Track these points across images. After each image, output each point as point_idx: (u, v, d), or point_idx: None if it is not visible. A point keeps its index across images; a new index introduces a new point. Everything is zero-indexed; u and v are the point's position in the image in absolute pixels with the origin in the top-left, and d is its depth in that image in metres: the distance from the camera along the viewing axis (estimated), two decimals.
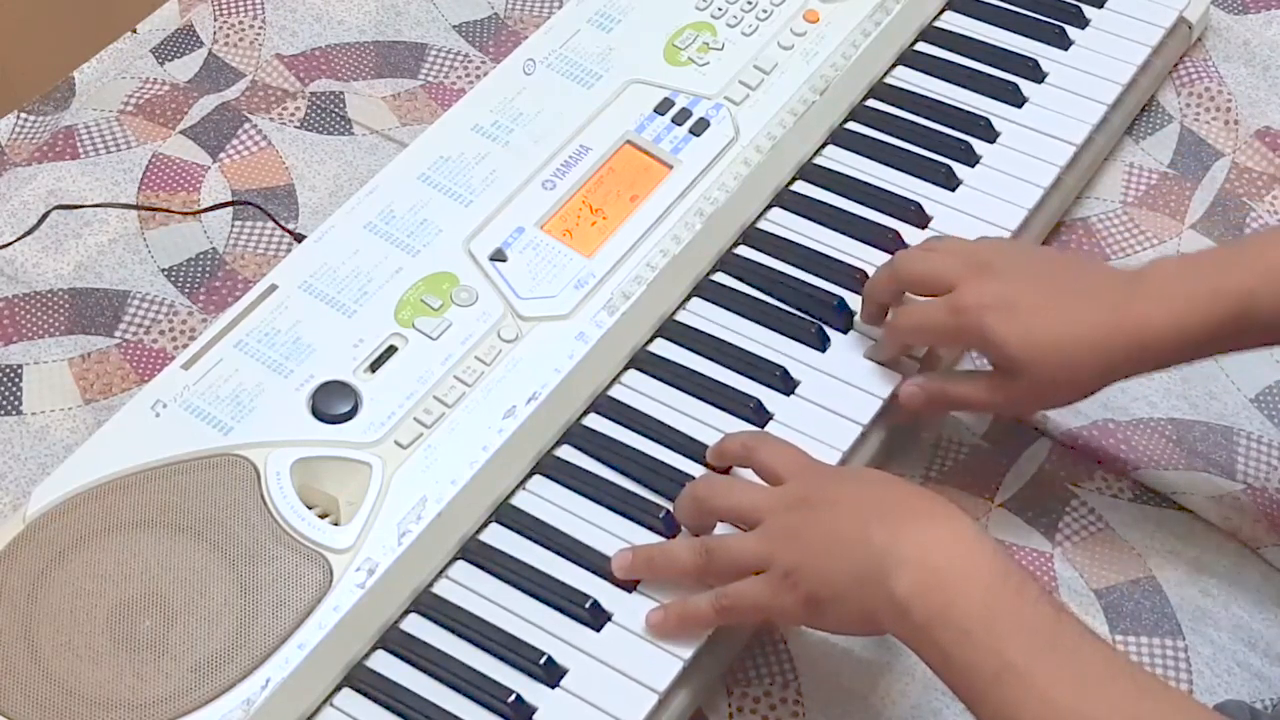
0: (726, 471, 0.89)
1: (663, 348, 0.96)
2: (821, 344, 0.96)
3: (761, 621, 0.88)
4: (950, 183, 1.04)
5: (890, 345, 0.95)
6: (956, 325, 0.89)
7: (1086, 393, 0.90)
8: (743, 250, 1.01)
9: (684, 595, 0.84)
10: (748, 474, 0.88)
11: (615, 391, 0.94)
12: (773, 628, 0.89)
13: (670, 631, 0.83)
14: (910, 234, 1.01)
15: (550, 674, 0.83)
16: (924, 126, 1.07)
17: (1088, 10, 1.13)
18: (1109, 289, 0.88)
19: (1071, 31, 1.12)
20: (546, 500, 0.89)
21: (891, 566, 0.75)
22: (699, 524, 0.86)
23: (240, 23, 1.19)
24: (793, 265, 0.99)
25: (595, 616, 0.84)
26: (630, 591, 0.85)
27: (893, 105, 1.08)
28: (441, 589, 0.86)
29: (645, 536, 0.87)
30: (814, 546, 0.79)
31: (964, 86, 1.09)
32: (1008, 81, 1.09)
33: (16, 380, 0.99)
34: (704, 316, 0.97)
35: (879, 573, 0.75)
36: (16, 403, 0.98)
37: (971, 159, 1.05)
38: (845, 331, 0.96)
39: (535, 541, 0.88)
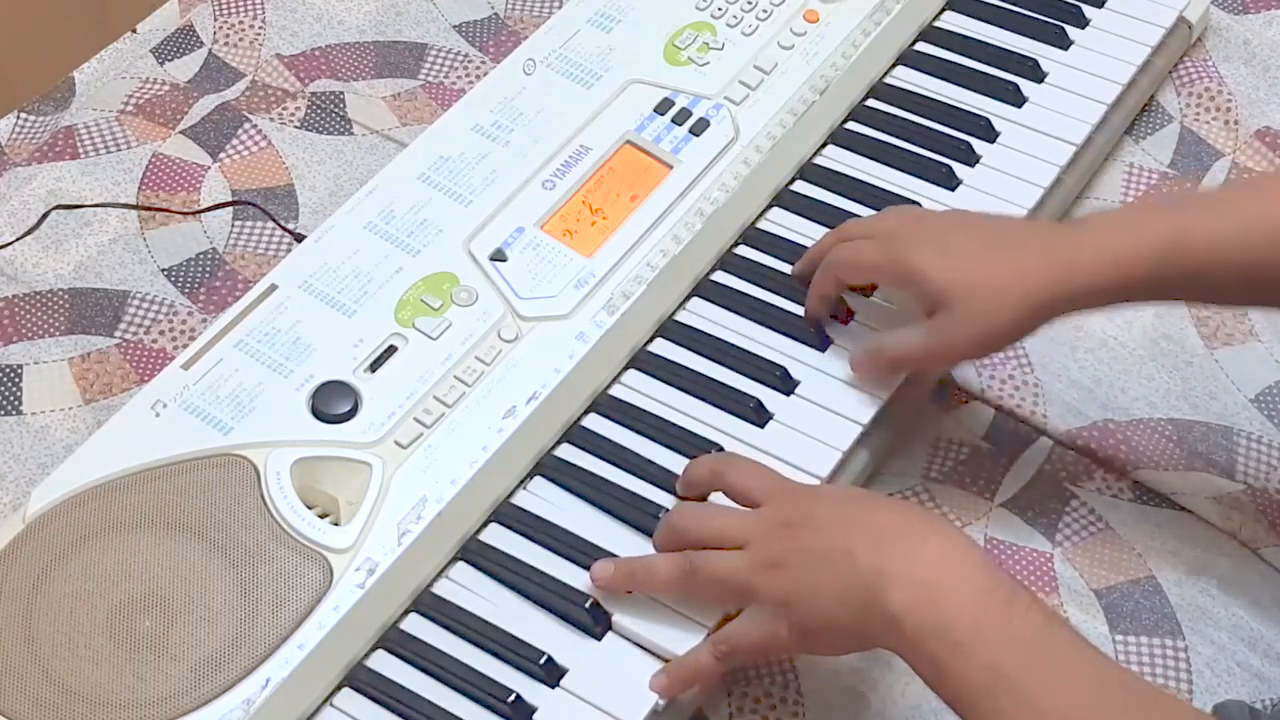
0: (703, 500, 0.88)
1: (663, 347, 0.96)
2: (821, 344, 0.96)
3: (761, 656, 0.87)
4: (950, 183, 1.04)
5: (824, 283, 0.94)
6: (888, 258, 0.90)
7: (1018, 332, 0.89)
8: (743, 250, 1.01)
9: (677, 620, 0.84)
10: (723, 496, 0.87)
11: (615, 391, 0.94)
12: None
13: (677, 691, 0.82)
14: None
15: (550, 674, 0.83)
16: (924, 126, 1.07)
17: (1088, 10, 1.13)
18: (1042, 234, 0.90)
19: (1071, 31, 1.12)
20: (546, 500, 0.89)
21: (881, 585, 0.74)
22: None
23: (240, 23, 1.19)
24: (793, 265, 0.99)
25: (595, 616, 0.84)
26: (629, 591, 0.85)
27: (893, 105, 1.08)
28: (441, 589, 0.86)
29: (645, 536, 0.87)
30: (799, 574, 0.78)
31: (964, 86, 1.09)
32: (1008, 81, 1.09)
33: (16, 380, 0.99)
34: (704, 316, 0.97)
35: (869, 593, 0.75)
36: (16, 403, 0.98)
37: (971, 159, 1.05)
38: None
39: (535, 541, 0.88)
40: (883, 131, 1.07)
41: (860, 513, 0.80)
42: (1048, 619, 0.74)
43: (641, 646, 0.84)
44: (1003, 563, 0.93)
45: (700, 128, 1.04)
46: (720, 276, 0.99)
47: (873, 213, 1.01)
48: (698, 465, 0.88)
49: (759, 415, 0.92)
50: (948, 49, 1.11)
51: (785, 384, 0.94)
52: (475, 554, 0.87)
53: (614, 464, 0.91)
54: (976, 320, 0.87)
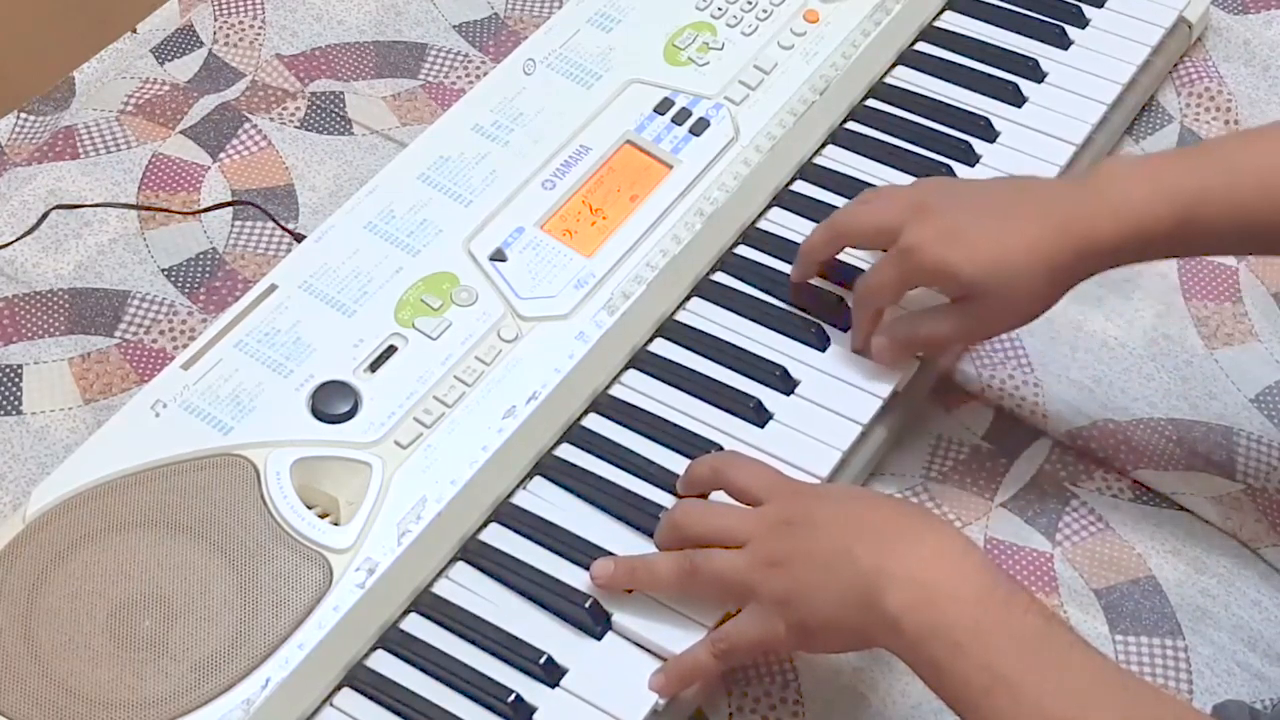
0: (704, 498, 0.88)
1: (663, 347, 0.96)
2: (821, 344, 0.95)
3: (760, 654, 0.87)
4: None
5: (863, 322, 0.94)
6: (908, 268, 0.89)
7: (1047, 303, 0.89)
8: (743, 250, 1.01)
9: (677, 620, 0.84)
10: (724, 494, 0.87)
11: (615, 391, 0.94)
12: None
13: (675, 689, 0.82)
14: None
15: (550, 674, 0.83)
16: (924, 126, 1.07)
17: (1088, 10, 1.13)
18: (1054, 200, 0.88)
19: (1071, 31, 1.12)
20: (546, 500, 0.89)
21: (881, 585, 0.74)
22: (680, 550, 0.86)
23: (240, 23, 1.19)
24: (792, 265, 0.99)
25: (595, 616, 0.84)
26: (629, 591, 0.85)
27: (893, 105, 1.08)
28: (441, 589, 0.86)
29: (644, 536, 0.87)
30: (799, 573, 0.78)
31: (964, 86, 1.09)
32: (1008, 81, 1.09)
33: (16, 380, 0.99)
34: (704, 316, 0.97)
35: (868, 592, 0.75)
36: (16, 403, 0.98)
37: (971, 159, 1.05)
38: (845, 330, 0.96)
39: (535, 541, 0.88)
40: (883, 131, 1.07)
41: (861, 512, 0.80)
42: (1047, 619, 0.74)
43: (641, 646, 0.84)
44: (1003, 563, 0.93)
45: (700, 128, 1.04)
46: (720, 276, 0.99)
47: None
48: (699, 464, 0.88)
49: (759, 415, 0.92)
50: (948, 49, 1.11)
51: (785, 384, 0.94)
52: (475, 554, 0.87)
53: (614, 464, 0.91)
54: (1006, 303, 0.88)
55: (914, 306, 0.93)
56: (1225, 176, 0.86)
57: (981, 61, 1.10)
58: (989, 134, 1.06)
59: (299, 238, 1.07)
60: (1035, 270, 0.86)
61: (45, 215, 1.06)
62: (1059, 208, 0.87)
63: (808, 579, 0.78)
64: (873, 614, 0.75)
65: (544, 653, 0.83)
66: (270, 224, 1.08)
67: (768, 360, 0.95)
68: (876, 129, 1.07)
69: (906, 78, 1.10)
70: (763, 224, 1.02)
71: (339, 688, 0.83)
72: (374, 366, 0.92)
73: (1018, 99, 1.08)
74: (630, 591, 0.85)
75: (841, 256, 0.97)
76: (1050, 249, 0.86)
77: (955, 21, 1.13)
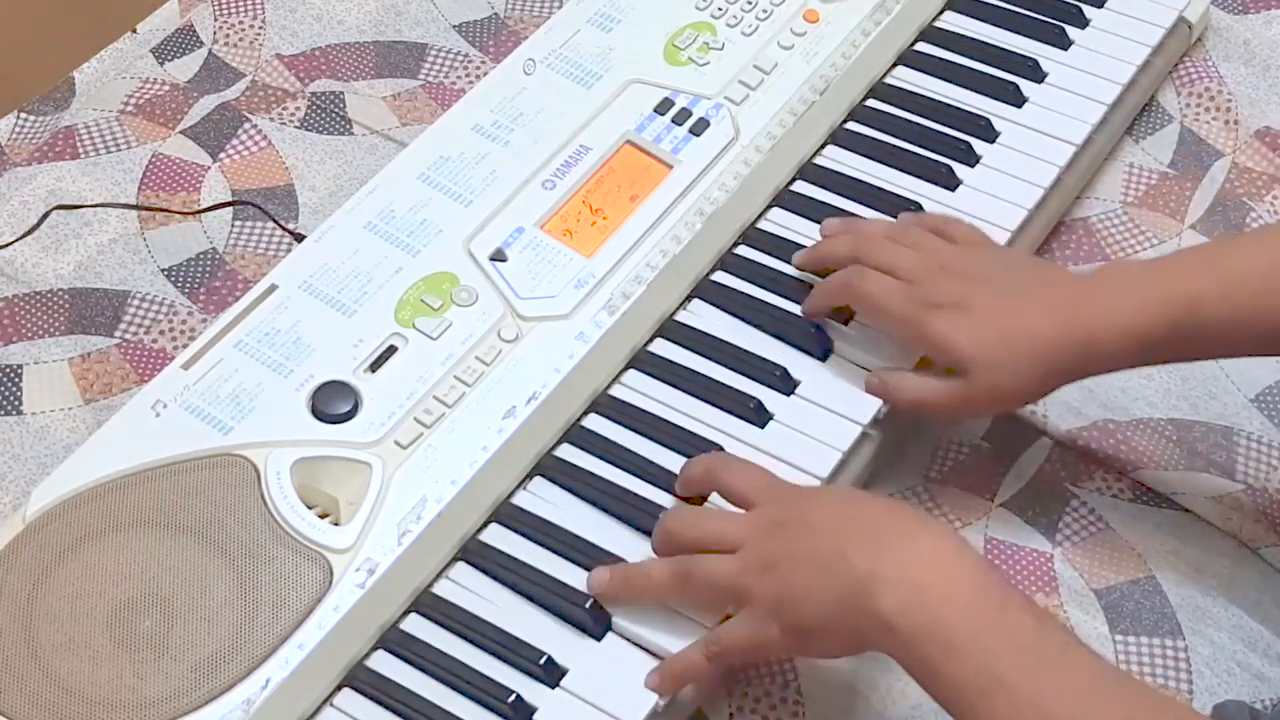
0: (702, 500, 0.88)
1: (663, 348, 0.96)
2: (822, 345, 0.95)
3: (755, 657, 0.87)
4: (950, 183, 1.04)
5: (834, 297, 0.94)
6: (908, 317, 0.90)
7: (1037, 394, 0.90)
8: (743, 250, 1.01)
9: (677, 621, 0.84)
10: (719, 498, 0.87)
11: (615, 391, 0.94)
12: None
13: (670, 689, 0.82)
14: (903, 216, 1.00)
15: (550, 674, 0.83)
16: (924, 126, 1.07)
17: (1088, 10, 1.13)
18: (1061, 292, 0.89)
19: (1071, 31, 1.12)
20: (546, 500, 0.89)
21: (875, 587, 0.74)
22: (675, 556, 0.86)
23: (240, 23, 1.19)
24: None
25: (595, 616, 0.84)
26: (627, 600, 0.85)
27: (893, 105, 1.08)
28: (441, 589, 0.86)
29: (644, 537, 0.87)
30: (792, 576, 0.78)
31: (964, 86, 1.09)
32: (1008, 81, 1.09)
33: (16, 380, 0.99)
34: (704, 316, 0.97)
35: (862, 595, 0.75)
36: (16, 403, 0.98)
37: (971, 159, 1.05)
38: (846, 325, 0.96)
39: (535, 541, 0.88)
40: (883, 131, 1.07)
41: (854, 514, 0.80)
42: (1042, 620, 0.74)
43: (642, 647, 0.84)
44: (1002, 563, 0.93)
45: (700, 128, 1.04)
46: (720, 276, 0.99)
47: (876, 215, 1.01)
48: (693, 465, 0.88)
49: (759, 415, 0.92)
50: (948, 49, 1.11)
51: (785, 384, 0.94)
52: (475, 554, 0.87)
53: (614, 464, 0.91)
54: (995, 390, 0.88)
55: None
56: (1219, 282, 0.86)
57: (981, 61, 1.10)
58: (989, 134, 1.06)
59: (299, 238, 1.07)
60: (1030, 360, 0.87)
61: (45, 215, 1.06)
62: (1064, 304, 0.88)
63: (801, 581, 0.78)
64: (867, 616, 0.75)
65: (544, 653, 0.83)
66: (270, 224, 1.08)
67: (768, 360, 0.95)
68: (876, 129, 1.07)
69: (906, 78, 1.10)
70: (763, 224, 1.02)
71: (339, 688, 0.83)
72: (374, 366, 0.92)
73: (1018, 99, 1.08)
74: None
75: None
76: (1049, 344, 0.87)
77: (955, 21, 1.13)
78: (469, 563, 0.87)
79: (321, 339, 0.92)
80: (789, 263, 0.99)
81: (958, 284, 0.90)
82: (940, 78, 1.10)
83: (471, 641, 0.84)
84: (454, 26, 1.20)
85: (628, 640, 0.84)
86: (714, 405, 0.93)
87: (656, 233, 0.99)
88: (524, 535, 0.88)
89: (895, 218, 1.01)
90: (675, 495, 0.88)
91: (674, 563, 0.83)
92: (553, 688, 0.83)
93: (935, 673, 0.73)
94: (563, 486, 0.90)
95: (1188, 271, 0.88)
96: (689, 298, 0.98)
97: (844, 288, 0.93)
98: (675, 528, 0.84)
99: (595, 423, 0.93)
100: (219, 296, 1.04)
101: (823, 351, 0.95)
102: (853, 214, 1.02)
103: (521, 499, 0.90)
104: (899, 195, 1.03)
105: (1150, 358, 0.89)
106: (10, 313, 1.02)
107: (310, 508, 0.86)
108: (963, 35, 1.12)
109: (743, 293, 0.98)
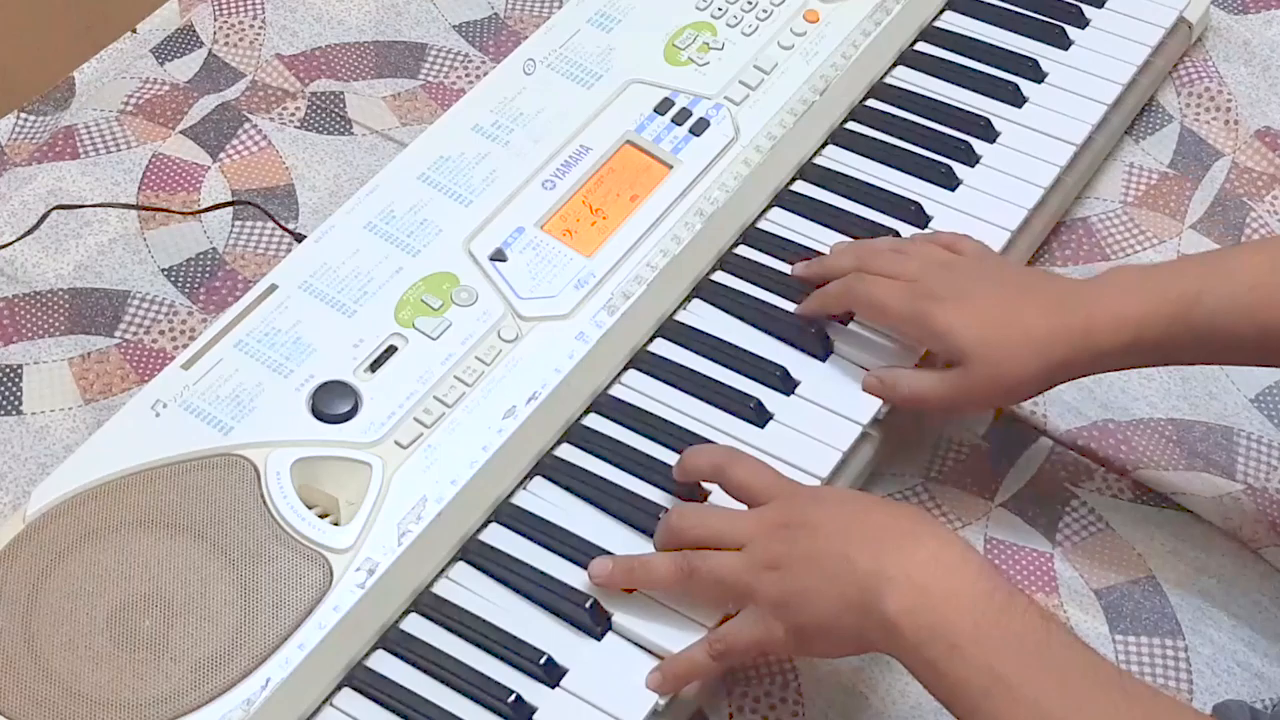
0: (696, 486, 0.89)
1: (663, 348, 0.96)
2: (823, 345, 0.95)
3: (757, 656, 0.87)
4: (950, 183, 1.04)
5: (836, 304, 0.95)
6: (911, 312, 0.90)
7: (1036, 388, 0.90)
8: (743, 250, 1.01)
9: (677, 620, 0.84)
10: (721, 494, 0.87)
11: (615, 391, 0.94)
12: None
13: (672, 688, 0.82)
14: (910, 234, 1.01)
15: (550, 674, 0.83)
16: (924, 126, 1.07)
17: (1088, 10, 1.13)
18: (1061, 290, 0.90)
19: (1071, 31, 1.12)
20: (546, 500, 0.89)
21: (879, 588, 0.75)
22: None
23: (240, 23, 1.19)
24: (792, 265, 0.99)
25: (595, 616, 0.84)
26: (629, 590, 0.85)
27: (893, 105, 1.08)
28: (441, 589, 0.86)
29: (644, 536, 0.87)
30: (797, 576, 0.78)
31: (964, 86, 1.09)
32: (1008, 81, 1.09)
33: (16, 380, 0.99)
34: (704, 316, 0.97)
35: (867, 596, 0.75)
36: (16, 403, 0.98)
37: (971, 159, 1.05)
38: (846, 324, 0.96)
39: (535, 541, 0.88)
40: (883, 131, 1.07)
41: (859, 515, 0.80)
42: (1045, 621, 0.74)
43: (642, 647, 0.84)
44: (1002, 563, 0.93)
45: (700, 128, 1.04)
46: (720, 276, 0.99)
47: (884, 218, 1.01)
48: (698, 454, 0.88)
49: (759, 415, 0.92)
50: (948, 49, 1.11)
51: (785, 384, 0.94)
52: (475, 554, 0.87)
53: (614, 464, 0.91)
54: (994, 381, 0.89)
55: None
56: (1218, 285, 0.87)
57: (981, 61, 1.10)
58: (989, 134, 1.06)
59: (299, 238, 1.07)
60: (1028, 353, 0.88)
61: (45, 215, 1.06)
62: (1063, 302, 0.88)
63: (805, 582, 0.78)
64: (871, 617, 0.75)
65: (544, 653, 0.83)
66: (270, 224, 1.08)
67: (768, 360, 0.95)
68: (876, 129, 1.07)
69: (906, 78, 1.10)
70: (763, 224, 1.02)
71: (339, 688, 0.83)
72: (374, 366, 0.92)
73: (1018, 99, 1.08)
74: (630, 591, 0.85)
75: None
76: (1047, 338, 0.87)
77: (955, 21, 1.13)
78: (469, 563, 0.87)
79: (321, 339, 0.92)
80: (789, 263, 0.99)
81: (959, 279, 0.91)
82: (940, 78, 1.10)
83: (471, 641, 0.84)
84: (454, 26, 1.20)
85: (628, 640, 0.84)
86: (714, 405, 0.93)
87: (656, 233, 0.99)
88: (524, 535, 0.88)
89: (895, 217, 1.01)
90: (677, 494, 0.88)
91: (678, 557, 0.83)
92: (553, 687, 0.83)
93: (939, 673, 0.73)
94: (563, 486, 0.90)
95: (1188, 274, 0.89)
96: (689, 298, 0.98)
97: (845, 293, 0.94)
98: (681, 524, 0.84)
99: (595, 422, 0.93)
100: (219, 296, 1.04)
101: (823, 351, 0.95)
102: (853, 214, 1.02)
103: (521, 499, 0.90)
104: (899, 195, 1.03)
105: (1147, 357, 0.89)
106: (10, 313, 1.02)
107: (310, 508, 0.86)
108: (963, 35, 1.12)
109: (743, 293, 0.98)
